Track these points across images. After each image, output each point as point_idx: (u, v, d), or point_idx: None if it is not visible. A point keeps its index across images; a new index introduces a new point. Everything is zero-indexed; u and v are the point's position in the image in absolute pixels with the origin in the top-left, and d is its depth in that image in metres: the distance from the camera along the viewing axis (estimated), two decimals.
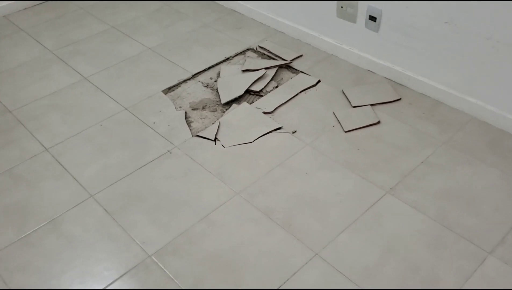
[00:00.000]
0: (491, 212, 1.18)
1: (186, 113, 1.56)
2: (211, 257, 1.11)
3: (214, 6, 2.13)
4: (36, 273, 1.11)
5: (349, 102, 1.55)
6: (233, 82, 1.66)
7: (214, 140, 1.44)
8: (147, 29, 2.00)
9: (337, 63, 1.74)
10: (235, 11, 2.09)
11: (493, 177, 1.26)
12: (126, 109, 1.59)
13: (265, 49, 1.84)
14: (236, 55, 1.82)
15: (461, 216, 1.17)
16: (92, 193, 1.29)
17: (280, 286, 1.05)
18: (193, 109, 1.58)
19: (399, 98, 1.55)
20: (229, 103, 1.59)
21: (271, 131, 1.46)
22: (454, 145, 1.37)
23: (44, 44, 1.94)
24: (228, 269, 1.09)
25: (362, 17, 1.61)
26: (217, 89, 1.66)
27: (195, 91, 1.66)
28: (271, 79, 1.68)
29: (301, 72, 1.71)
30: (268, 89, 1.65)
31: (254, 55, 1.82)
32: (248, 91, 1.63)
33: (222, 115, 1.54)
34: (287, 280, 1.06)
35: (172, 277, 1.08)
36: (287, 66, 1.75)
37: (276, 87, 1.65)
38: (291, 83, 1.66)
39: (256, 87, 1.64)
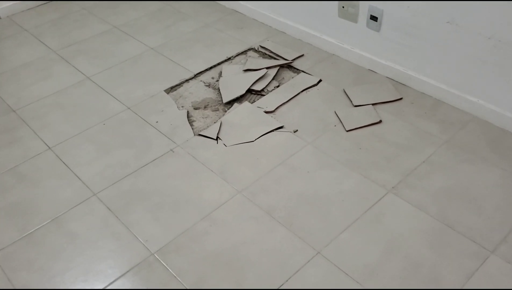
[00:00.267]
0: (493, 211, 1.18)
1: (188, 112, 1.56)
2: (213, 255, 1.12)
3: (216, 6, 2.14)
4: (39, 270, 1.11)
5: (351, 101, 1.55)
6: (234, 81, 1.67)
7: (216, 139, 1.45)
8: (149, 29, 2.01)
9: (339, 63, 1.74)
10: (237, 11, 2.09)
11: (494, 176, 1.26)
12: (128, 108, 1.60)
13: (266, 49, 1.85)
14: (238, 55, 1.83)
15: (463, 214, 1.17)
16: (95, 191, 1.30)
17: (282, 285, 1.05)
18: (195, 109, 1.59)
19: (400, 97, 1.55)
20: (230, 103, 1.60)
21: (272, 130, 1.47)
22: (456, 144, 1.37)
23: (47, 44, 1.96)
24: (230, 267, 1.09)
25: (363, 17, 1.62)
26: (218, 88, 1.67)
27: (197, 91, 1.67)
28: (273, 79, 1.69)
29: (303, 71, 1.72)
30: (269, 88, 1.65)
31: (256, 54, 1.83)
32: (249, 91, 1.64)
33: (223, 114, 1.55)
34: (289, 279, 1.06)
35: (175, 275, 1.09)
36: (289, 66, 1.76)
37: (278, 86, 1.66)
38: (293, 83, 1.66)
39: (258, 87, 1.64)
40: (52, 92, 1.69)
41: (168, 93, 1.66)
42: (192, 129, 1.50)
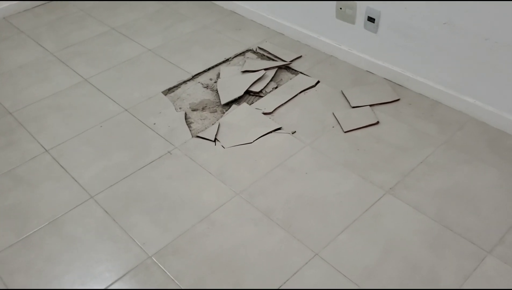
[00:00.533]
0: (490, 211, 1.18)
1: (186, 114, 1.56)
2: (211, 258, 1.12)
3: (214, 8, 2.14)
4: (37, 274, 1.11)
5: (349, 102, 1.56)
6: (232, 83, 1.67)
7: (214, 141, 1.45)
8: (147, 31, 2.00)
9: (336, 64, 1.74)
10: (235, 12, 2.09)
11: (492, 176, 1.27)
12: (126, 110, 1.60)
13: (264, 50, 1.85)
14: (236, 56, 1.83)
15: (461, 215, 1.18)
16: (92, 194, 1.30)
17: (280, 286, 1.05)
18: (193, 110, 1.59)
19: (398, 98, 1.56)
20: (229, 104, 1.60)
21: (271, 132, 1.47)
22: (453, 145, 1.37)
23: (45, 46, 1.95)
24: (229, 269, 1.09)
25: (361, 18, 1.62)
26: (217, 90, 1.66)
27: (195, 92, 1.67)
28: (271, 80, 1.69)
29: (301, 73, 1.72)
30: (267, 90, 1.65)
31: (254, 56, 1.83)
32: (247, 92, 1.64)
33: (222, 116, 1.55)
34: (287, 280, 1.06)
35: (173, 278, 1.08)
36: (287, 67, 1.76)
37: (276, 88, 1.66)
38: (291, 84, 1.66)
39: (256, 88, 1.64)
40: (49, 94, 1.69)
41: (166, 94, 1.66)
42: (190, 131, 1.50)
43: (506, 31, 1.27)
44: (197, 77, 1.74)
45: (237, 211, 1.22)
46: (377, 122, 1.47)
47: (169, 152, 1.42)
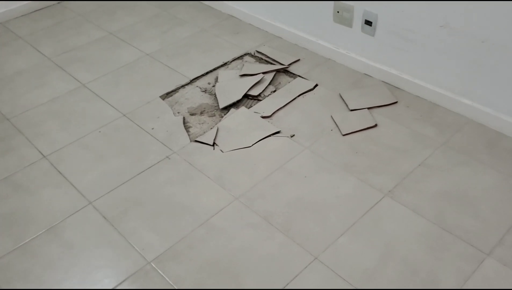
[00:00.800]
0: (489, 213, 1.18)
1: (184, 119, 1.56)
2: (211, 263, 1.11)
3: (212, 12, 2.14)
4: (35, 281, 1.10)
5: (347, 105, 1.56)
6: (231, 87, 1.67)
7: (213, 145, 1.45)
8: (144, 35, 2.01)
9: (334, 67, 1.75)
10: (233, 16, 2.10)
11: (490, 178, 1.27)
12: (124, 115, 1.59)
13: (262, 54, 1.85)
14: (234, 60, 1.83)
15: (460, 217, 1.18)
16: (91, 200, 1.29)
17: None
18: (191, 114, 1.59)
19: (396, 101, 1.56)
20: (227, 108, 1.60)
21: (269, 135, 1.47)
22: (452, 147, 1.37)
23: (42, 51, 1.95)
24: (228, 274, 1.09)
25: (358, 22, 1.63)
26: (215, 94, 1.67)
27: (193, 96, 1.67)
28: (269, 84, 1.69)
29: (299, 76, 1.72)
30: (266, 93, 1.66)
31: (252, 60, 1.83)
32: (246, 96, 1.64)
33: (220, 120, 1.55)
34: (287, 285, 1.06)
35: (172, 283, 1.08)
36: (285, 71, 1.76)
37: (274, 91, 1.66)
38: (289, 87, 1.67)
39: (254, 92, 1.65)
40: (47, 100, 1.68)
41: (164, 99, 1.66)
42: (189, 135, 1.49)
43: (503, 33, 1.28)
44: (195, 81, 1.74)
45: (236, 216, 1.22)
46: (375, 125, 1.47)
47: (167, 157, 1.41)
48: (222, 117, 1.57)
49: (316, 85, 1.66)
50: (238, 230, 1.18)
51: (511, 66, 1.31)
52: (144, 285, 1.08)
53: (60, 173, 1.38)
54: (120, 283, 1.09)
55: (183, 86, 1.72)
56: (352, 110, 1.53)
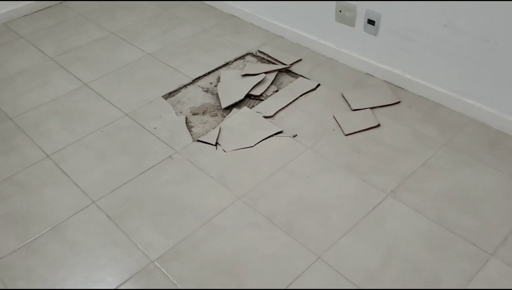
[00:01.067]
0: (492, 213, 1.18)
1: (186, 118, 1.56)
2: (213, 262, 1.11)
3: (213, 11, 2.14)
4: (39, 280, 1.10)
5: (349, 105, 1.56)
6: (233, 86, 1.67)
7: (215, 145, 1.45)
8: (146, 35, 2.01)
9: (336, 67, 1.75)
10: (234, 16, 2.10)
11: (493, 178, 1.27)
12: (126, 115, 1.60)
13: (264, 54, 1.85)
14: (236, 59, 1.83)
15: (462, 217, 1.18)
16: (94, 199, 1.29)
17: None
18: (194, 114, 1.59)
19: (398, 101, 1.56)
20: (229, 108, 1.60)
21: (272, 135, 1.47)
22: (454, 147, 1.37)
23: (44, 50, 1.95)
24: (231, 273, 1.09)
25: (360, 21, 1.63)
26: (217, 94, 1.67)
27: (195, 96, 1.67)
28: (271, 84, 1.69)
29: (301, 76, 1.72)
30: (268, 93, 1.66)
31: (254, 59, 1.83)
32: (248, 96, 1.64)
33: (222, 120, 1.55)
34: (290, 284, 1.06)
35: (175, 283, 1.08)
36: (287, 70, 1.76)
37: (276, 91, 1.66)
38: (291, 87, 1.67)
39: (256, 92, 1.65)
40: (49, 100, 1.69)
41: (166, 99, 1.66)
42: (191, 135, 1.50)
43: (506, 32, 1.28)
44: (197, 81, 1.74)
45: (239, 215, 1.22)
46: (378, 125, 1.47)
47: (170, 156, 1.41)
48: (224, 117, 1.57)
49: (318, 85, 1.66)
50: (241, 229, 1.18)
51: None
52: (147, 284, 1.08)
53: (63, 172, 1.38)
54: (123, 282, 1.09)
55: (185, 86, 1.72)
56: (354, 110, 1.53)
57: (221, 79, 1.73)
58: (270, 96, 1.64)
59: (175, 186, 1.31)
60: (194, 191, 1.29)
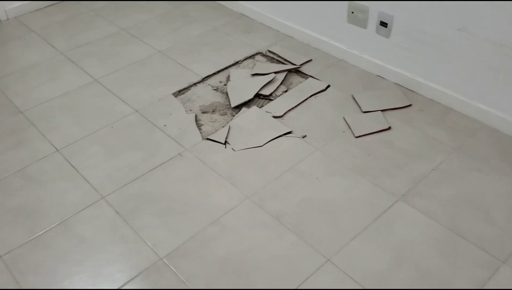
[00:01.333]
0: (503, 220, 1.17)
1: (196, 116, 1.56)
2: (222, 261, 1.11)
3: (223, 10, 2.14)
4: (48, 273, 1.11)
5: (359, 107, 1.55)
6: (242, 85, 1.67)
7: (225, 144, 1.44)
8: (156, 32, 2.01)
9: (347, 68, 1.74)
10: (244, 15, 2.10)
11: (505, 185, 1.26)
12: (136, 111, 1.60)
13: (274, 53, 1.84)
14: (246, 59, 1.83)
15: (474, 224, 1.17)
16: (103, 194, 1.30)
17: None
18: (203, 112, 1.59)
19: (409, 104, 1.55)
20: (239, 107, 1.60)
21: (281, 135, 1.47)
22: (465, 152, 1.36)
23: (55, 45, 1.96)
24: (239, 273, 1.09)
25: (373, 23, 1.62)
26: (227, 92, 1.66)
27: (205, 94, 1.67)
28: (281, 84, 1.69)
29: (311, 76, 1.71)
30: (277, 93, 1.65)
31: (264, 59, 1.83)
32: (257, 95, 1.64)
33: (232, 119, 1.55)
34: (299, 286, 1.06)
35: (184, 280, 1.08)
36: (297, 71, 1.76)
37: (286, 91, 1.66)
38: (301, 88, 1.66)
39: (266, 91, 1.64)
40: (59, 94, 1.69)
41: (176, 96, 1.66)
42: (200, 133, 1.49)
43: None
44: (207, 79, 1.74)
45: (248, 215, 1.22)
46: (389, 128, 1.46)
47: (179, 154, 1.41)
48: (233, 115, 1.56)
49: (328, 86, 1.66)
50: (250, 229, 1.18)
51: None
52: (156, 281, 1.08)
53: (73, 166, 1.39)
54: (132, 278, 1.09)
55: (195, 84, 1.72)
56: (365, 112, 1.53)
57: (230, 78, 1.73)
58: (279, 96, 1.63)
59: (185, 183, 1.31)
60: (203, 189, 1.29)
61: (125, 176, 1.35)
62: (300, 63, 1.77)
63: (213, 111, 1.59)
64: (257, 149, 1.42)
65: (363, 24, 1.65)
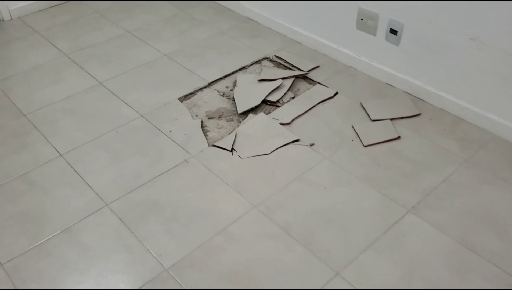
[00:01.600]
0: None
1: (202, 122, 1.54)
2: (228, 273, 1.09)
3: (230, 14, 2.12)
4: (50, 282, 1.08)
5: (368, 115, 1.53)
6: (249, 91, 1.65)
7: (231, 151, 1.42)
8: (162, 35, 1.99)
9: (355, 75, 1.72)
10: (251, 19, 2.08)
11: None
12: (141, 116, 1.57)
13: (281, 59, 1.82)
14: (252, 64, 1.81)
15: (486, 238, 1.14)
16: (107, 201, 1.27)
17: None
18: (210, 118, 1.57)
19: (419, 113, 1.53)
20: (245, 113, 1.57)
21: (288, 143, 1.44)
22: (476, 164, 1.34)
23: (59, 47, 1.93)
24: (246, 286, 1.06)
25: (382, 30, 1.60)
26: (233, 98, 1.64)
27: (211, 100, 1.64)
28: (288, 90, 1.67)
29: (318, 83, 1.69)
30: (284, 99, 1.63)
31: (271, 64, 1.81)
32: (264, 101, 1.61)
33: (238, 125, 1.52)
34: None
35: None
36: (304, 77, 1.74)
37: (293, 98, 1.64)
38: (308, 94, 1.64)
39: (273, 97, 1.62)
40: (63, 97, 1.67)
41: (182, 101, 1.64)
42: (207, 139, 1.47)
43: None
44: (214, 84, 1.72)
45: (255, 225, 1.19)
46: (398, 137, 1.44)
47: (185, 160, 1.39)
48: (240, 122, 1.54)
49: (336, 93, 1.64)
50: (257, 240, 1.16)
51: None
52: None
53: (76, 172, 1.36)
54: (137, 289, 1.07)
55: (201, 88, 1.70)
56: (374, 120, 1.50)
57: (237, 83, 1.70)
58: (286, 102, 1.61)
59: (190, 191, 1.29)
60: (210, 198, 1.27)
61: (129, 183, 1.32)
62: (308, 69, 1.75)
63: (220, 117, 1.57)
64: (264, 157, 1.40)
65: (372, 31, 1.63)
